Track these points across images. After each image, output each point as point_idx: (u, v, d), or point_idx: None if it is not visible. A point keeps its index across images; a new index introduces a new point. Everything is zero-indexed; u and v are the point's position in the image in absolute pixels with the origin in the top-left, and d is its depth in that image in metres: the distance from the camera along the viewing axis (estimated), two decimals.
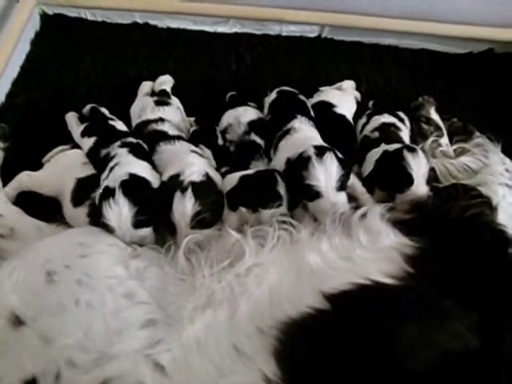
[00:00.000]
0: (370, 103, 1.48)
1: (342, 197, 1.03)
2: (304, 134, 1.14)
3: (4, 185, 1.24)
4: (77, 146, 1.29)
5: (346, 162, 1.06)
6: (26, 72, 1.54)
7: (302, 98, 1.34)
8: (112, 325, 0.80)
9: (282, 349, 0.77)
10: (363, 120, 1.39)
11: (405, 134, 1.33)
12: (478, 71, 1.65)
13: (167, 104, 1.34)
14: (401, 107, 1.42)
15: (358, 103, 1.46)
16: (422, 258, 0.88)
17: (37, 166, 1.26)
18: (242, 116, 1.28)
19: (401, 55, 1.67)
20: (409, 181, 1.08)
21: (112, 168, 1.08)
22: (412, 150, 1.10)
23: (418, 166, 1.08)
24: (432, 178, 1.13)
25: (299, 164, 1.03)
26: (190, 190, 0.99)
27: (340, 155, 1.06)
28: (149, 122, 1.28)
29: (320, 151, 1.03)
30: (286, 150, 1.12)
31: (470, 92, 1.59)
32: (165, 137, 1.22)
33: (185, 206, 0.99)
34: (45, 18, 1.66)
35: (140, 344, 0.78)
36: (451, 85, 1.60)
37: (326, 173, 1.01)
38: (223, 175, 1.15)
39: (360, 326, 0.78)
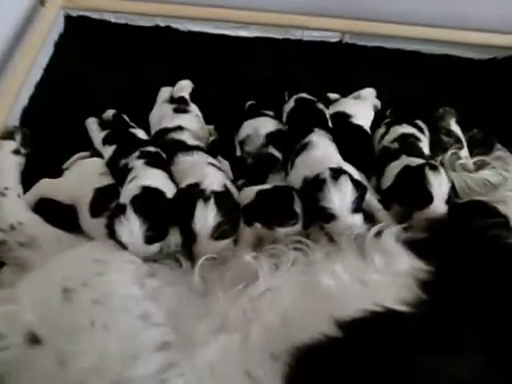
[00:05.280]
0: (388, 111, 1.45)
1: (358, 218, 1.03)
2: (321, 152, 1.14)
3: (25, 191, 1.26)
4: (97, 152, 1.31)
5: (361, 183, 1.06)
6: (50, 75, 1.55)
7: (321, 106, 1.33)
8: (127, 348, 0.81)
9: (294, 375, 0.78)
10: (382, 130, 1.36)
11: (424, 144, 1.31)
12: (500, 77, 1.61)
13: (186, 111, 1.35)
14: (422, 114, 1.39)
15: (378, 111, 1.44)
16: (436, 284, 0.87)
17: (58, 172, 1.28)
18: (261, 128, 1.28)
19: (424, 61, 1.63)
20: (428, 199, 1.07)
21: (129, 182, 1.08)
22: (434, 168, 1.09)
23: (439, 184, 1.07)
24: (453, 196, 1.11)
25: (314, 186, 1.03)
26: (212, 200, 1.00)
27: (356, 176, 1.06)
28: (168, 130, 1.28)
29: (335, 174, 1.03)
30: (303, 167, 1.11)
31: (492, 100, 1.54)
32: (183, 147, 1.22)
33: (207, 217, 0.99)
34: (69, 20, 1.67)
35: (155, 368, 0.79)
36: (475, 92, 1.56)
37: (340, 196, 1.01)
38: (240, 188, 1.15)
39: (371, 355, 0.78)
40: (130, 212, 0.98)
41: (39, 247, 1.15)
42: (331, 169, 1.05)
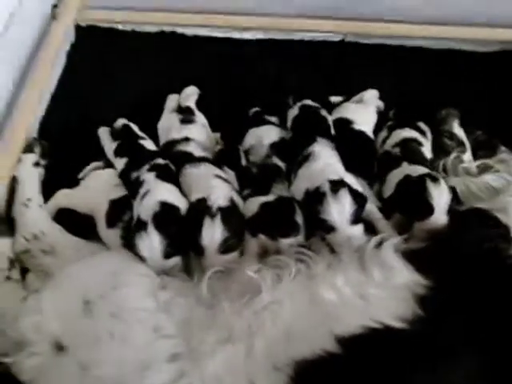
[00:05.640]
0: (391, 113, 1.46)
1: (357, 229, 1.07)
2: (323, 163, 1.17)
3: (45, 201, 1.33)
4: (109, 162, 1.37)
5: (361, 194, 1.10)
6: (63, 86, 1.61)
7: (324, 113, 1.35)
8: (142, 358, 0.87)
9: None
10: (384, 133, 1.38)
11: (426, 148, 1.33)
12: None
13: (192, 122, 1.39)
14: (426, 114, 1.41)
15: (380, 113, 1.45)
16: (433, 300, 0.90)
17: (75, 182, 1.35)
18: (264, 137, 1.32)
19: (427, 57, 1.63)
20: (429, 211, 1.09)
21: (143, 196, 1.14)
22: (434, 180, 1.11)
23: (440, 196, 1.09)
24: (454, 206, 1.13)
25: (315, 199, 1.08)
26: (218, 217, 1.05)
27: (356, 187, 1.10)
28: (175, 142, 1.33)
29: (334, 187, 1.07)
30: (305, 179, 1.15)
31: (499, 95, 1.54)
32: (190, 159, 1.27)
33: (214, 232, 1.05)
34: (78, 29, 1.71)
35: (166, 379, 0.85)
36: (478, 87, 1.56)
37: (339, 209, 1.05)
38: (245, 198, 1.20)
39: (369, 372, 0.82)
40: (151, 229, 1.05)
41: (60, 255, 1.22)
42: (331, 181, 1.08)
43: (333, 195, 1.06)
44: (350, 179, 1.14)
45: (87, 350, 0.90)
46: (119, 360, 0.88)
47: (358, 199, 1.07)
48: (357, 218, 1.07)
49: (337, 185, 1.08)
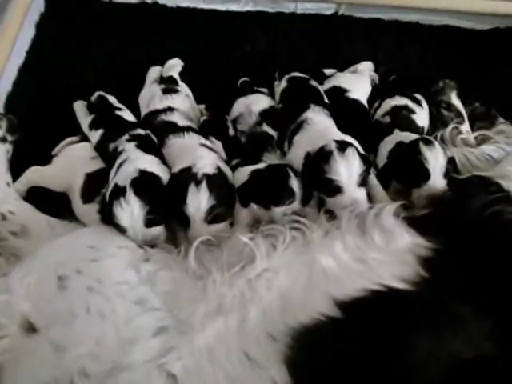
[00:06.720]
0: (391, 78, 1.43)
1: (362, 193, 1.01)
2: (321, 126, 1.11)
3: (14, 180, 1.23)
4: (86, 137, 1.27)
5: (366, 157, 1.04)
6: (32, 58, 1.50)
7: (315, 83, 1.30)
8: (124, 334, 0.80)
9: (294, 356, 0.77)
10: (376, 103, 1.34)
11: (420, 116, 1.27)
12: (505, 48, 1.57)
13: (175, 92, 1.31)
14: (421, 88, 1.35)
15: (375, 85, 1.41)
16: (437, 261, 0.86)
17: (47, 158, 1.24)
18: (254, 105, 1.25)
19: (423, 32, 1.60)
20: (425, 176, 1.04)
21: (120, 164, 1.06)
22: (428, 143, 1.06)
23: (435, 159, 1.04)
24: (451, 170, 1.08)
25: (320, 158, 1.00)
26: (204, 183, 0.98)
27: (361, 151, 1.03)
28: (157, 112, 1.25)
29: (342, 146, 1.00)
30: (303, 144, 1.08)
31: (495, 71, 1.51)
32: (174, 128, 1.19)
33: (200, 200, 0.97)
34: None
35: (152, 353, 0.78)
36: (476, 63, 1.53)
37: (348, 168, 0.98)
38: (234, 168, 1.13)
39: (372, 335, 0.77)
40: (130, 194, 0.96)
41: (32, 236, 1.13)
42: (337, 141, 1.02)
43: (340, 154, 0.99)
44: (353, 141, 1.08)
45: (62, 328, 0.82)
46: (98, 336, 0.80)
47: (365, 161, 1.01)
48: (364, 180, 1.00)
49: (344, 144, 1.01)
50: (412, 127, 1.22)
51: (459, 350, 0.76)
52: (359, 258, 0.88)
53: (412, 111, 1.27)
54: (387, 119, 1.25)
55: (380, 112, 1.29)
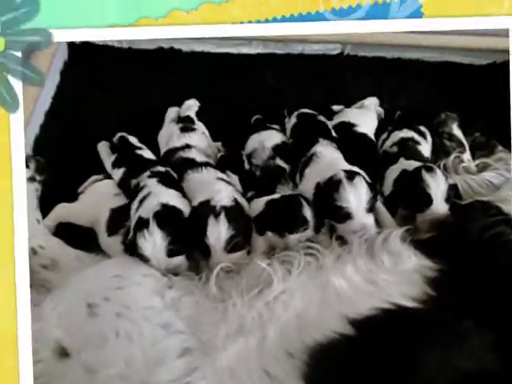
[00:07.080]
0: (396, 114, 1.50)
1: (371, 219, 1.07)
2: (330, 158, 1.18)
3: (43, 217, 1.30)
4: (110, 175, 1.35)
5: (373, 185, 1.10)
6: (58, 103, 1.61)
7: (322, 118, 1.38)
8: (151, 355, 0.84)
9: (311, 373, 0.80)
10: (384, 135, 1.41)
11: (425, 148, 1.35)
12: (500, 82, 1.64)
13: (192, 130, 1.39)
14: (425, 122, 1.43)
15: (381, 119, 1.49)
16: (442, 281, 0.91)
17: (74, 196, 1.32)
18: (267, 140, 1.33)
19: (424, 69, 1.68)
20: (428, 201, 1.10)
21: (143, 199, 1.12)
22: (430, 170, 1.13)
23: (437, 185, 1.10)
24: (452, 195, 1.14)
25: (330, 187, 1.07)
26: (223, 215, 1.04)
27: (368, 179, 1.10)
28: (176, 149, 1.32)
29: (350, 175, 1.07)
30: (314, 176, 1.15)
31: (494, 102, 1.57)
32: (192, 164, 1.26)
33: (219, 231, 1.03)
34: (72, 46, 1.70)
35: (178, 373, 0.82)
36: (475, 96, 1.60)
37: (356, 195, 1.04)
38: (250, 199, 1.19)
39: (383, 352, 0.81)
40: (153, 226, 1.02)
41: (61, 268, 1.19)
42: (345, 170, 1.09)
43: (349, 182, 1.05)
44: (360, 171, 1.14)
45: (93, 351, 0.87)
46: (127, 358, 0.85)
47: (372, 187, 1.08)
48: (372, 207, 1.07)
49: (351, 173, 1.08)
50: (417, 157, 1.28)
51: (463, 364, 0.79)
52: (370, 279, 0.93)
53: (418, 143, 1.34)
54: (395, 149, 1.32)
55: (388, 143, 1.37)
